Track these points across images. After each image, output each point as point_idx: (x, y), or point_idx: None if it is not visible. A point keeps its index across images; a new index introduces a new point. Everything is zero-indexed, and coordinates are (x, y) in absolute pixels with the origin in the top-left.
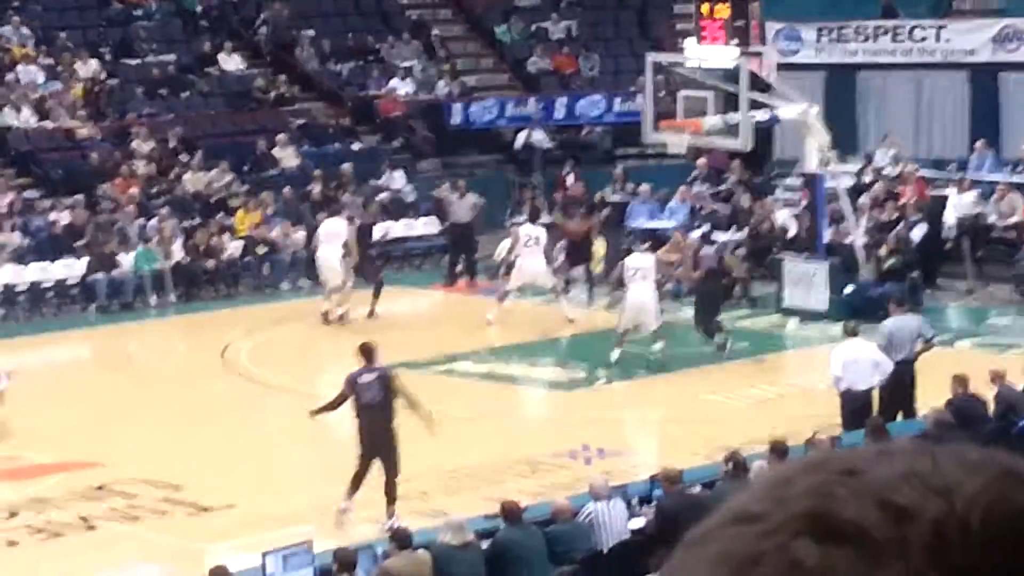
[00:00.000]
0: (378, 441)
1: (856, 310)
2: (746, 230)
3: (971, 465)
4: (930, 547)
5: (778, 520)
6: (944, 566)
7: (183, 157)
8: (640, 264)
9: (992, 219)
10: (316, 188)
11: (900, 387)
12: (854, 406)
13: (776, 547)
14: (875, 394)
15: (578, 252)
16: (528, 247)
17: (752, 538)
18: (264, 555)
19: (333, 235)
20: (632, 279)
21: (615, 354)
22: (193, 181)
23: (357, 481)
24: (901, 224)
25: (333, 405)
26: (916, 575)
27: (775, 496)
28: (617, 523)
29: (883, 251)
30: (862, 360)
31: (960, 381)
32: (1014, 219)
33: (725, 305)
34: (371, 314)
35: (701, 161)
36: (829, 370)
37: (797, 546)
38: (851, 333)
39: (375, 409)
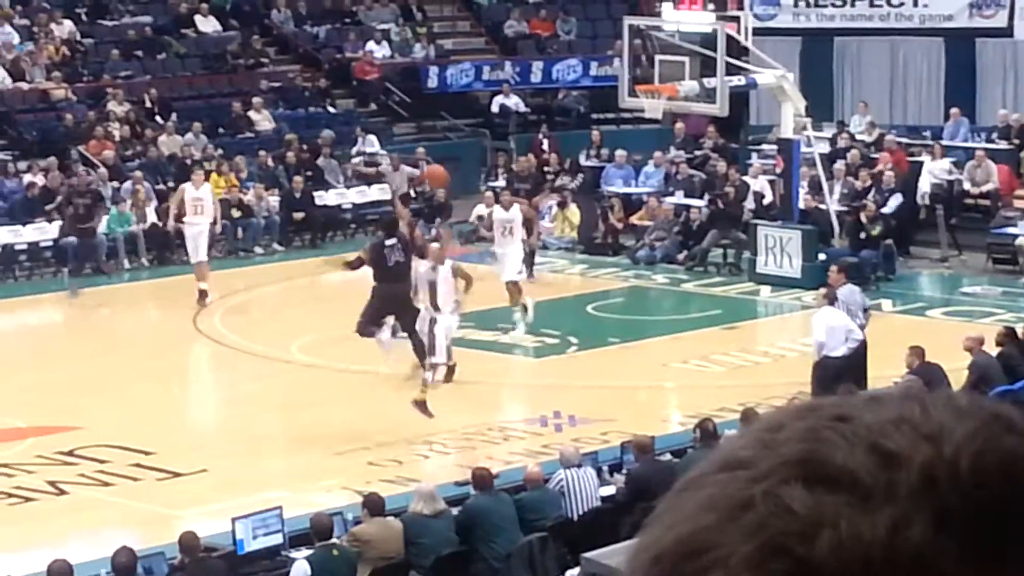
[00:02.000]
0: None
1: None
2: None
3: (961, 410)
4: (919, 491)
5: (768, 465)
6: (933, 510)
7: (158, 119)
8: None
9: (967, 186)
10: (291, 152)
11: (856, 356)
12: (827, 374)
13: (766, 492)
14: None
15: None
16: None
17: (742, 483)
18: (234, 520)
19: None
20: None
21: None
22: (168, 144)
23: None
24: (874, 192)
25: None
26: (905, 519)
27: (766, 441)
28: (587, 490)
29: (864, 218)
30: (839, 328)
31: (916, 352)
32: (989, 186)
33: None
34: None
35: (678, 126)
36: (812, 336)
37: (787, 491)
38: (831, 300)
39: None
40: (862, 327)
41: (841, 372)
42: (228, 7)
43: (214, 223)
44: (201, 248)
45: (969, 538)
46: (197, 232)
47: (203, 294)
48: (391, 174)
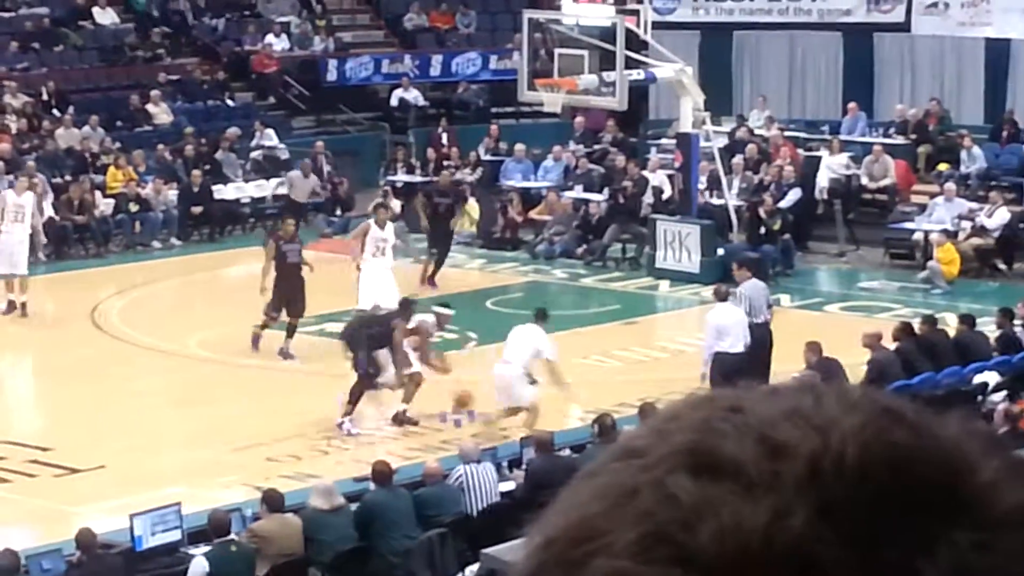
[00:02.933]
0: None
1: (728, 272)
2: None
3: (853, 403)
4: (803, 481)
5: (658, 454)
6: (816, 499)
7: (55, 112)
8: None
9: (864, 181)
10: (189, 145)
11: (760, 350)
12: (726, 370)
13: (653, 481)
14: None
15: None
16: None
17: (633, 472)
18: (132, 517)
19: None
20: None
21: None
22: (65, 137)
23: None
24: (773, 186)
25: None
26: (786, 508)
27: (660, 430)
28: (487, 486)
29: (763, 213)
30: (735, 324)
31: (813, 348)
32: (886, 181)
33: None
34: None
35: (578, 120)
36: (704, 333)
37: (673, 480)
38: (722, 297)
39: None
40: (767, 322)
41: (740, 368)
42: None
43: (34, 233)
44: (19, 259)
45: (849, 528)
46: (16, 241)
47: (12, 306)
48: (300, 181)
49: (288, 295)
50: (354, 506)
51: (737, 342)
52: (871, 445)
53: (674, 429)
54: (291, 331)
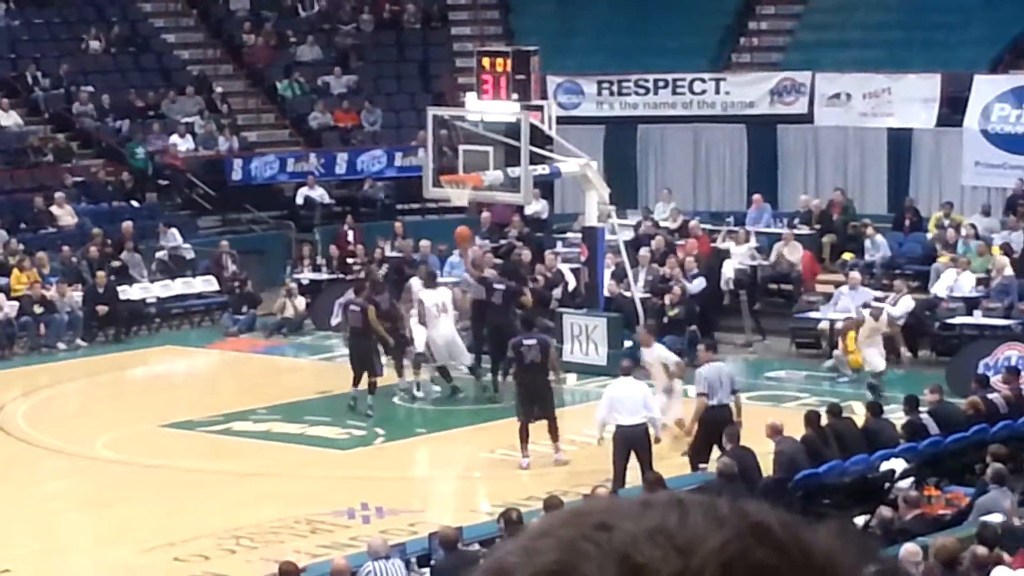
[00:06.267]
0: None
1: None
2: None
3: (719, 519)
4: None
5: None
6: None
7: None
8: (439, 298)
9: (779, 267)
10: (94, 247)
11: (715, 429)
12: (622, 443)
13: None
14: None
15: None
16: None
17: None
18: None
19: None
20: (432, 315)
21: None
22: None
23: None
24: (677, 277)
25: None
26: None
27: (528, 548)
28: None
29: (666, 301)
30: (631, 399)
31: (731, 435)
32: (796, 265)
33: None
34: None
35: (484, 215)
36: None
37: None
38: (625, 372)
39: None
40: (725, 405)
41: (635, 441)
42: (29, 102)
43: None
44: None
45: None
46: None
47: None
48: None
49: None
50: None
51: (634, 415)
52: (731, 565)
53: (542, 548)
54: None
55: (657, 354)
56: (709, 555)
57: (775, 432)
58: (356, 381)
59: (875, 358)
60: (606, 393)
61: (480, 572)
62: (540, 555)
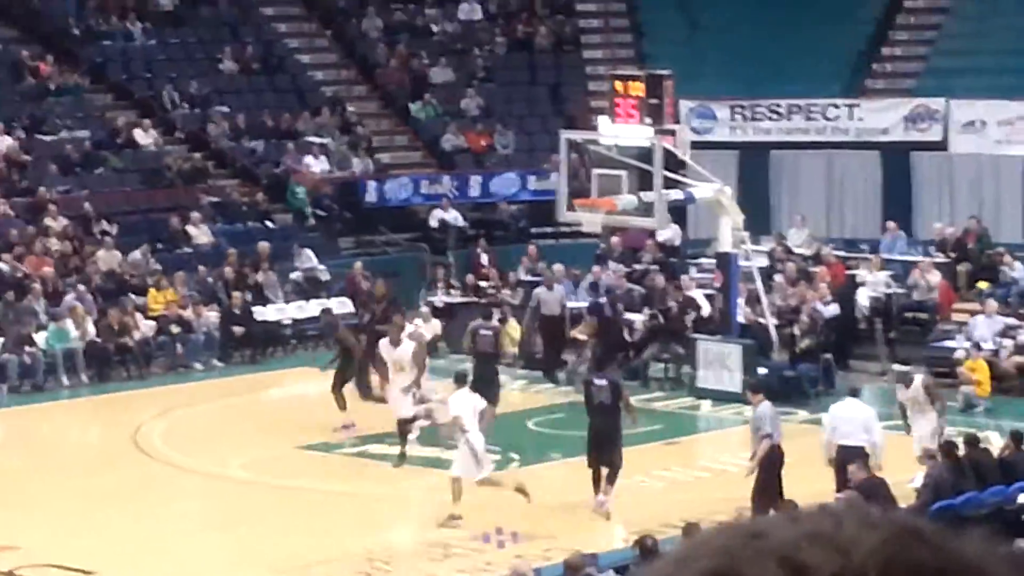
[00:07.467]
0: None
1: (770, 391)
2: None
3: (872, 523)
4: None
5: None
6: None
7: (97, 235)
8: None
9: (915, 295)
10: (229, 267)
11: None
12: (844, 459)
13: None
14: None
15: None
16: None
17: None
18: None
19: None
20: None
21: None
22: (106, 259)
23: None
24: (813, 305)
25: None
26: None
27: (683, 559)
28: None
29: (797, 331)
30: (852, 419)
31: (860, 466)
32: (933, 294)
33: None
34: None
35: (615, 240)
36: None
37: None
38: (851, 393)
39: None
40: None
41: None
42: (166, 122)
43: None
44: None
45: None
46: None
47: None
48: None
49: None
50: None
51: (848, 437)
52: (893, 563)
53: (697, 556)
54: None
55: None
56: (870, 553)
57: (928, 456)
58: None
59: None
60: (830, 412)
61: None
62: (697, 562)
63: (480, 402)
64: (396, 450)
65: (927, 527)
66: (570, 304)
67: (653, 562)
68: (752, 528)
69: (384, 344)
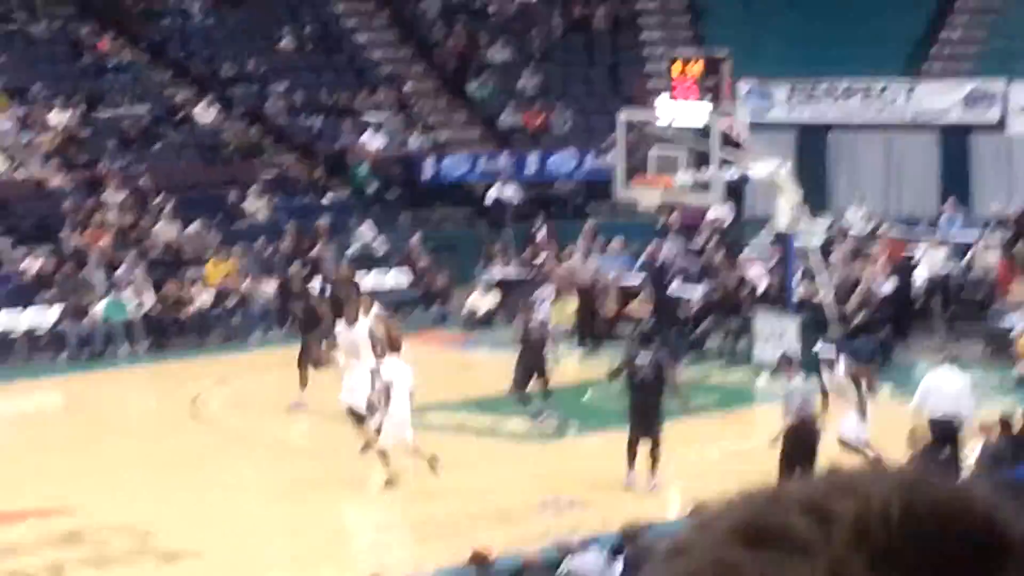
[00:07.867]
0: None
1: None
2: (703, 284)
3: (887, 473)
4: (854, 537)
5: (712, 539)
6: (869, 551)
7: (154, 208)
8: None
9: (973, 273)
10: (287, 241)
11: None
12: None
13: (714, 560)
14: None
15: None
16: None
17: (694, 557)
18: None
19: None
20: None
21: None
22: (164, 232)
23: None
24: (868, 281)
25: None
26: (841, 562)
27: (704, 523)
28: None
29: (850, 307)
30: (948, 388)
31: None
32: (991, 274)
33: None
34: None
35: (673, 217)
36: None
37: (731, 554)
38: (949, 361)
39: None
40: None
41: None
42: (224, 98)
43: None
44: None
45: (905, 572)
46: None
47: None
48: None
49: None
50: None
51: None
52: (914, 500)
53: (720, 515)
54: None
55: None
56: (891, 493)
57: (986, 430)
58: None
59: None
60: (924, 382)
61: (660, 556)
62: (721, 520)
63: (410, 377)
64: (452, 420)
65: (939, 476)
66: (625, 281)
67: (680, 529)
68: (772, 489)
69: (340, 324)
